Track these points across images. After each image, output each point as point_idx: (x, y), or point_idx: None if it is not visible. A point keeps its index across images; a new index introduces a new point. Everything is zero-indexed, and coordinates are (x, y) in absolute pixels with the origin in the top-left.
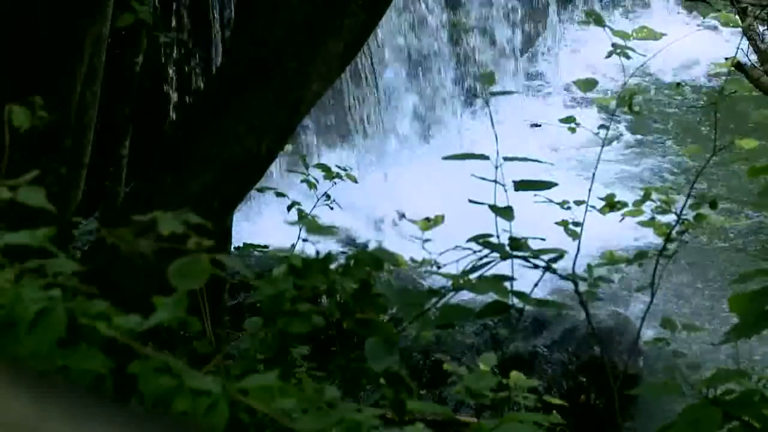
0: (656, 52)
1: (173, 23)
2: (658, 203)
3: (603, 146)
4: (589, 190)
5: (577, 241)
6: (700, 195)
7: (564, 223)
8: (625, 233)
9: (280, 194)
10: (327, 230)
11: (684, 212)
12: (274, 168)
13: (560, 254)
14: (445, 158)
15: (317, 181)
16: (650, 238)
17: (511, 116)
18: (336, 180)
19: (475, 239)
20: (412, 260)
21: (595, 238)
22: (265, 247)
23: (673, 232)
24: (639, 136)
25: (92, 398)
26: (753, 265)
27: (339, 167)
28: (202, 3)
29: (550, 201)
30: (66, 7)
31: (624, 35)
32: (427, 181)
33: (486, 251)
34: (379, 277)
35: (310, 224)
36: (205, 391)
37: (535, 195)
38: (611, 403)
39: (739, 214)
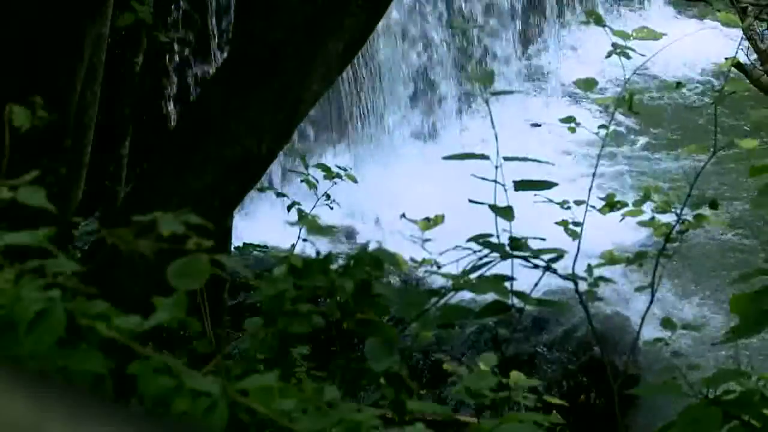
0: (657, 51)
1: (173, 23)
2: (658, 203)
3: (603, 146)
4: (589, 190)
5: (577, 241)
6: (700, 195)
7: (564, 223)
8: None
9: (280, 194)
10: (327, 230)
11: (684, 212)
12: (274, 168)
13: (560, 254)
14: (445, 158)
15: (317, 181)
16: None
17: (511, 116)
18: (336, 180)
19: (475, 239)
20: (412, 260)
21: (595, 239)
22: (265, 247)
23: (673, 232)
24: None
25: (92, 398)
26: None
27: (339, 167)
28: (201, 3)
29: (550, 201)
30: (66, 7)
31: (624, 35)
32: (427, 181)
33: (486, 251)
34: (380, 278)
35: (310, 224)
36: (204, 392)
37: (535, 195)
38: (611, 403)
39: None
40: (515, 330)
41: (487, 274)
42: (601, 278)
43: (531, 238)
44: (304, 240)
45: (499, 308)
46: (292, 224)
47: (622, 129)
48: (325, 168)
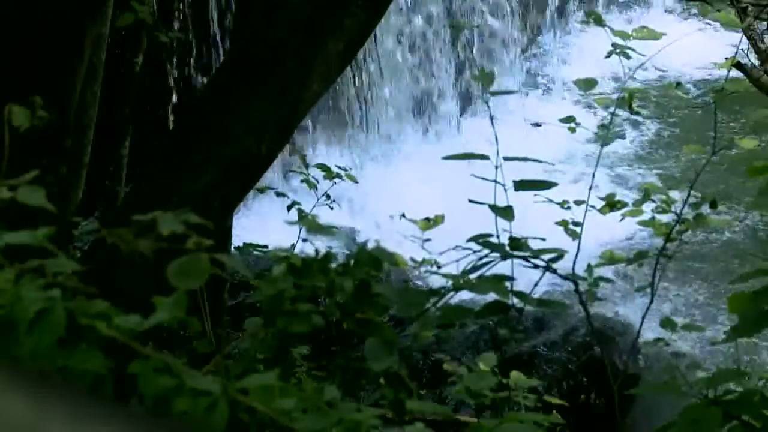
0: (656, 51)
1: (173, 23)
2: (658, 203)
3: (602, 146)
4: (589, 190)
5: (577, 241)
6: (700, 195)
7: (564, 223)
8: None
9: (280, 194)
10: (327, 230)
11: (684, 212)
12: (274, 168)
13: (560, 254)
14: (445, 158)
15: (317, 181)
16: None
17: (511, 116)
18: (336, 180)
19: (475, 239)
20: (412, 260)
21: (595, 238)
22: (265, 247)
23: (673, 232)
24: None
25: (92, 398)
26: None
27: (339, 167)
28: (202, 3)
29: (550, 201)
30: (66, 7)
31: (624, 35)
32: (427, 181)
33: (486, 251)
34: (379, 277)
35: (310, 224)
36: (205, 391)
37: (535, 195)
38: (611, 403)
39: (738, 213)
40: (515, 330)
41: (487, 274)
42: (601, 278)
43: (531, 238)
44: (304, 240)
45: (499, 308)
46: (292, 224)
47: (622, 129)
48: (325, 168)
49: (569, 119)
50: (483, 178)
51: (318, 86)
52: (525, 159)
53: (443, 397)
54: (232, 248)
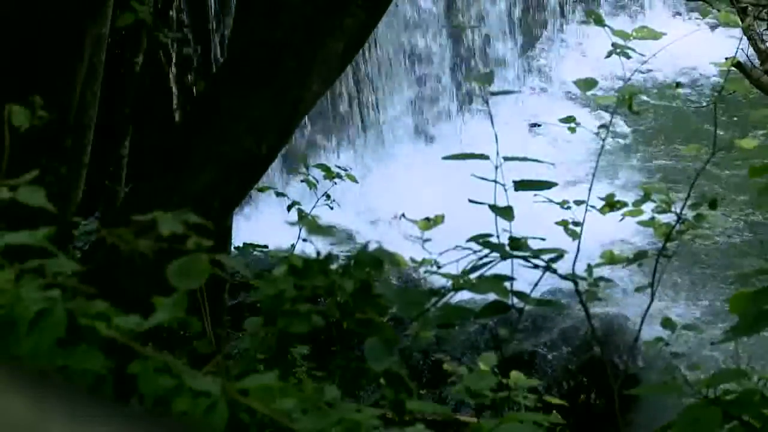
0: (657, 51)
1: (173, 23)
2: (658, 203)
3: (603, 146)
4: (589, 190)
5: (577, 241)
6: (700, 195)
7: (564, 223)
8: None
9: (280, 194)
10: (327, 230)
11: (684, 212)
12: (274, 168)
13: (560, 254)
14: (445, 158)
15: (317, 181)
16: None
17: (511, 116)
18: (336, 180)
19: (475, 239)
20: (412, 260)
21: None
22: (265, 247)
23: (673, 232)
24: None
25: (92, 398)
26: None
27: (339, 167)
28: (201, 3)
29: (550, 201)
30: (66, 7)
31: (624, 35)
32: (427, 181)
33: (486, 251)
34: (381, 278)
35: (310, 224)
36: (204, 392)
37: (535, 195)
38: (611, 403)
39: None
40: (515, 330)
41: (487, 274)
42: (601, 278)
43: (531, 238)
44: (304, 240)
45: (499, 308)
46: (292, 224)
47: (621, 129)
48: (325, 168)
49: (569, 119)
50: (483, 178)
51: (318, 86)
52: (525, 159)
53: (443, 397)
54: (232, 248)
